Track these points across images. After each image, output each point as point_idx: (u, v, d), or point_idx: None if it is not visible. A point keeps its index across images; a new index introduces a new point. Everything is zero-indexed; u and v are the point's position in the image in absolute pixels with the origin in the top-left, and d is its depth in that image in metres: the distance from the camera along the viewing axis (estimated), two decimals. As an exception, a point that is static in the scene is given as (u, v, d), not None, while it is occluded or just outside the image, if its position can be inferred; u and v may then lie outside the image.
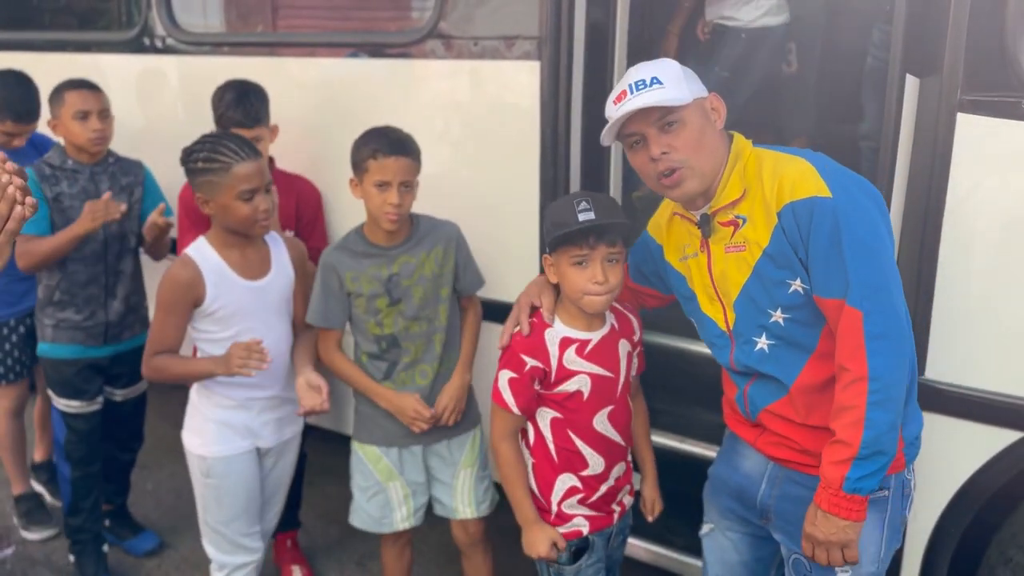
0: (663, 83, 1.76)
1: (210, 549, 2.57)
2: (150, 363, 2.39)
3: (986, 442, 2.07)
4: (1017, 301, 1.98)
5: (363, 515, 2.59)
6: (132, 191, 3.01)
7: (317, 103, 3.04)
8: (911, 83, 2.03)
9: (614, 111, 1.81)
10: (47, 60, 3.85)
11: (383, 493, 2.55)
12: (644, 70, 1.80)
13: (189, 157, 2.33)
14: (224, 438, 2.45)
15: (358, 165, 2.35)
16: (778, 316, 1.81)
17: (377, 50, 2.90)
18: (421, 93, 2.81)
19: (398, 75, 2.85)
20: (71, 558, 3.14)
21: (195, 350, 2.49)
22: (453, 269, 2.47)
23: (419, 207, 2.89)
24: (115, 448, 3.30)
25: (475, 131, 2.73)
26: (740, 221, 1.82)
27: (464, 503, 2.58)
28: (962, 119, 1.96)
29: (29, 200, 1.73)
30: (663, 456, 2.78)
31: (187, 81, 3.43)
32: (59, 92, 2.91)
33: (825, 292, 1.72)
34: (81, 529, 3.09)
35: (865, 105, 3.30)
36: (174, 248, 2.94)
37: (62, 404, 3.01)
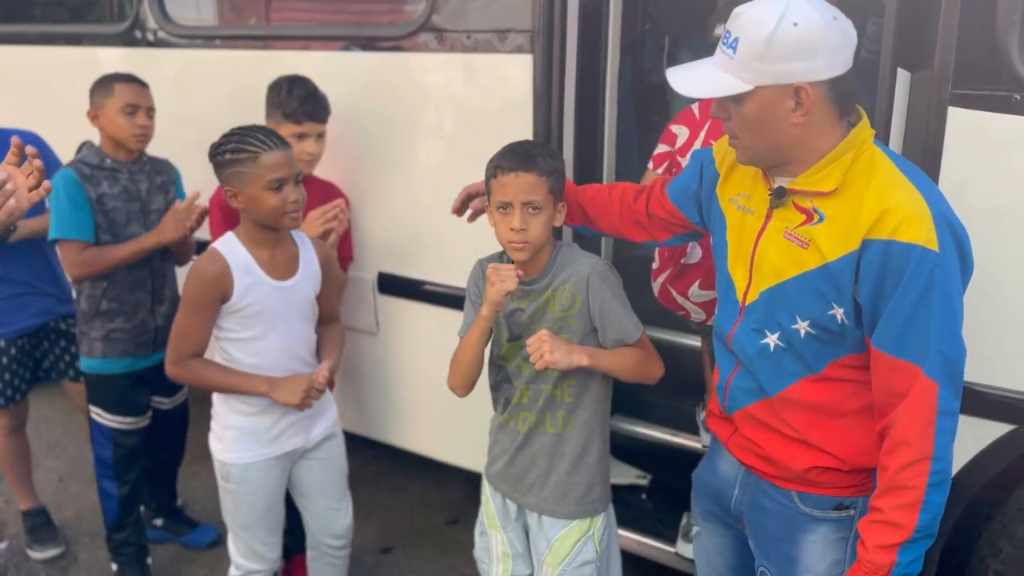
0: (734, 53, 1.56)
1: (231, 547, 2.56)
2: (184, 364, 2.32)
3: (977, 435, 2.08)
4: (1008, 294, 1.99)
5: (476, 548, 2.38)
6: (167, 190, 2.95)
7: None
8: (903, 77, 2.03)
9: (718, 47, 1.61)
10: (37, 53, 3.84)
11: (487, 537, 2.32)
12: (742, 20, 1.56)
13: (217, 151, 2.25)
14: (242, 445, 2.40)
15: (486, 187, 2.08)
16: (802, 326, 1.67)
17: (370, 43, 2.90)
18: (414, 86, 2.81)
19: (391, 68, 2.84)
20: (113, 567, 3.07)
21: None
22: (581, 314, 2.07)
23: (415, 202, 2.90)
24: (163, 457, 3.26)
25: (468, 125, 2.73)
26: (816, 216, 1.62)
27: None
28: (953, 113, 1.96)
29: (45, 184, 1.76)
30: (658, 449, 2.80)
31: (179, 75, 3.42)
32: (108, 82, 2.82)
33: (894, 350, 1.55)
34: (126, 543, 3.03)
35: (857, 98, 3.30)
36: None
37: (115, 421, 2.91)
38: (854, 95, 1.63)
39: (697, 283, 2.57)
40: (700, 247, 2.54)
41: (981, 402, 2.06)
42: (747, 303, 1.76)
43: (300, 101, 2.68)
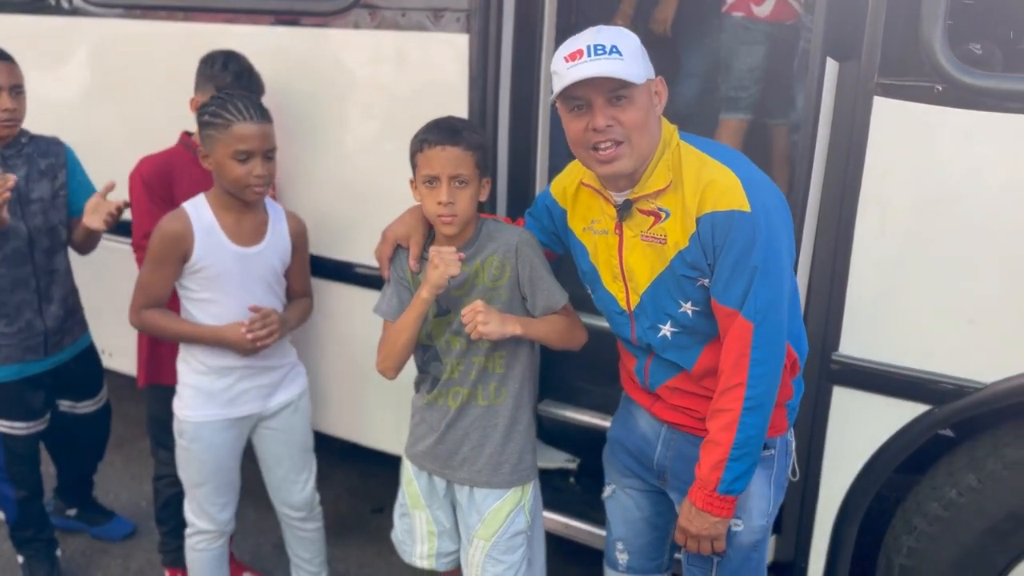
0: (623, 55, 1.71)
1: (185, 504, 2.57)
2: (140, 315, 2.36)
3: (892, 415, 2.16)
4: (928, 279, 2.07)
5: (395, 531, 2.38)
6: (55, 175, 2.69)
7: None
8: (831, 67, 2.08)
9: (565, 68, 1.73)
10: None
11: (409, 518, 2.32)
12: (605, 35, 1.74)
13: (201, 111, 2.30)
14: (197, 404, 2.42)
15: (411, 162, 2.07)
16: (687, 308, 1.85)
17: (299, 19, 2.83)
18: (345, 64, 2.75)
19: (321, 45, 2.78)
20: (19, 559, 2.93)
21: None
22: (510, 284, 2.10)
23: (344, 183, 2.84)
24: (80, 460, 3.11)
25: (401, 105, 2.69)
26: (663, 214, 1.82)
27: None
28: (878, 103, 2.03)
29: None
30: (587, 434, 2.82)
31: (96, 47, 3.27)
32: None
33: (723, 300, 1.78)
34: (32, 539, 2.89)
35: (796, 92, 3.34)
36: (126, 230, 2.66)
37: (3, 426, 2.72)
38: None
39: None
40: None
41: (896, 383, 2.14)
42: (633, 309, 1.93)
43: (235, 76, 2.59)
